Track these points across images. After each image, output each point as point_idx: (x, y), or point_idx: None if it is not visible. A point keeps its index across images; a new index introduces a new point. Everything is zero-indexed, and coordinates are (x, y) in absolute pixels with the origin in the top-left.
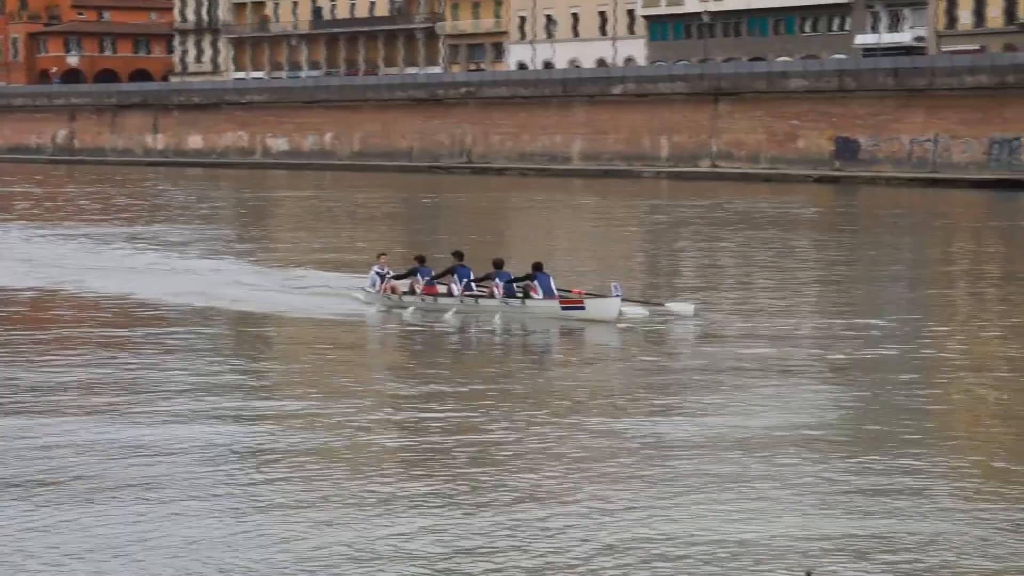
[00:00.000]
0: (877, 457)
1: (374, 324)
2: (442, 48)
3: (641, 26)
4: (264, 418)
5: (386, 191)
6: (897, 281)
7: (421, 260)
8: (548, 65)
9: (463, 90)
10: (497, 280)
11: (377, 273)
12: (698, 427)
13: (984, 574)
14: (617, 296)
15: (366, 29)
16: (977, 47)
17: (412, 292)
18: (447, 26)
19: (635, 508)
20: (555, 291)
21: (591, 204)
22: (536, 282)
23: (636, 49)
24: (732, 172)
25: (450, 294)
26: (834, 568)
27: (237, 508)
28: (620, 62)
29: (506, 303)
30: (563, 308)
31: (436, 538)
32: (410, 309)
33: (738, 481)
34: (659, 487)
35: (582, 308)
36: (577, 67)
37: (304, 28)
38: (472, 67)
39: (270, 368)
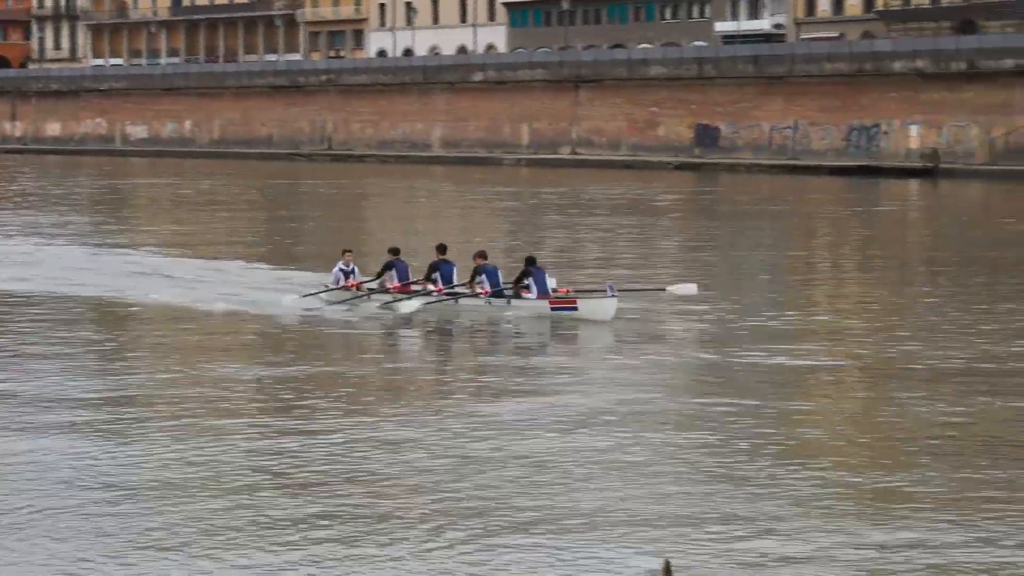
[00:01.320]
0: (721, 437)
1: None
2: (302, 35)
3: (501, 13)
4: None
5: (245, 178)
6: (756, 265)
7: (395, 253)
8: (408, 52)
9: (323, 77)
10: (483, 277)
11: (341, 270)
12: (548, 407)
13: (824, 550)
14: (613, 296)
15: (226, 16)
16: (836, 34)
17: (383, 289)
18: (307, 13)
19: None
20: (549, 290)
21: (450, 191)
22: (532, 280)
23: (496, 36)
24: (593, 159)
25: (426, 292)
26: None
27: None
28: (480, 49)
29: (490, 303)
30: (553, 309)
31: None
32: (374, 306)
33: (590, 456)
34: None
35: (574, 309)
36: (437, 54)
37: (163, 15)
38: (332, 54)
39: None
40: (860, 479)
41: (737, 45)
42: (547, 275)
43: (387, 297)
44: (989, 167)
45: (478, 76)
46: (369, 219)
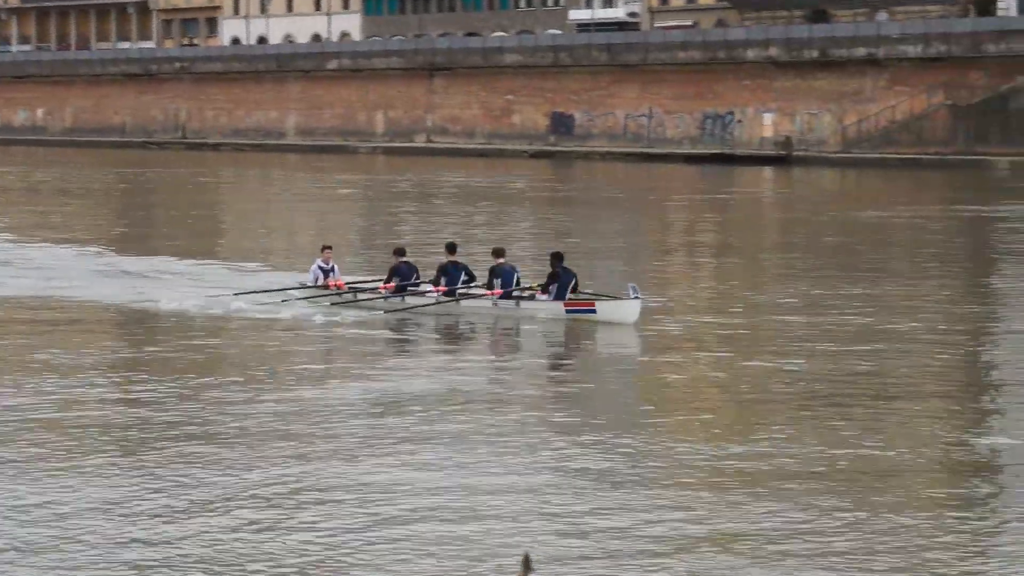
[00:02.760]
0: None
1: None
2: (155, 23)
3: (356, 1)
4: None
5: (97, 167)
6: (612, 252)
7: (401, 253)
8: (262, 40)
9: (177, 65)
10: (498, 281)
11: (320, 268)
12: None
13: (689, 537)
14: (636, 298)
15: (77, 3)
16: (690, 23)
17: (371, 289)
18: (160, 1)
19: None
20: (569, 292)
21: (305, 179)
22: (556, 284)
23: (351, 24)
24: (448, 147)
25: (403, 291)
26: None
27: None
28: (335, 37)
29: (496, 304)
30: (569, 311)
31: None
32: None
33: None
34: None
35: (592, 311)
36: (292, 42)
37: (13, 2)
38: (185, 42)
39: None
40: (712, 455)
41: (592, 33)
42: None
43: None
44: (841, 154)
45: (333, 64)
46: (222, 207)
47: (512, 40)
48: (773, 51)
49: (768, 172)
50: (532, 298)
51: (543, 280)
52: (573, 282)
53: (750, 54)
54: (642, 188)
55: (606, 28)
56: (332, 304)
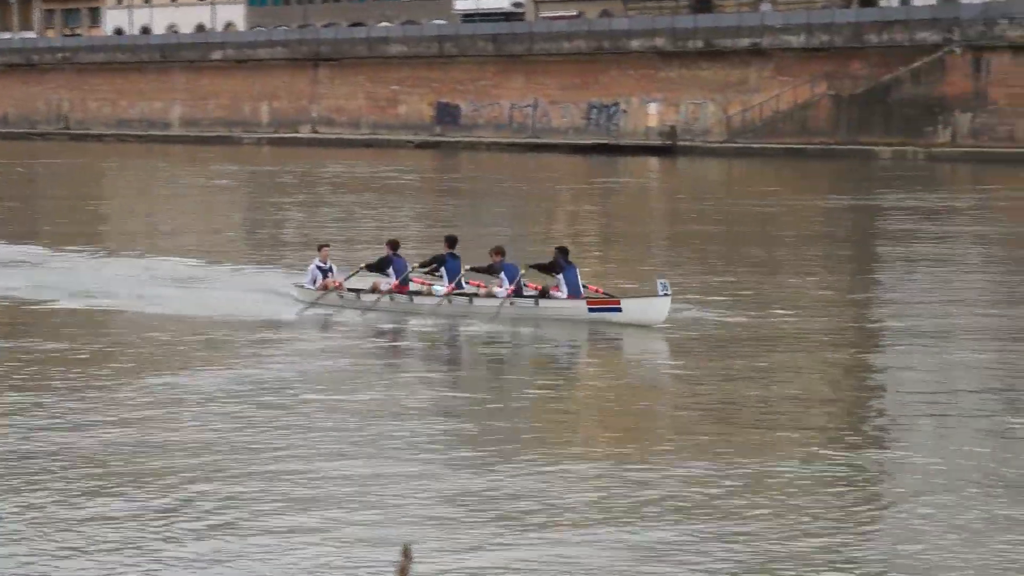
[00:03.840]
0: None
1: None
2: (36, 13)
3: None
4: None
5: None
6: (496, 241)
7: (394, 247)
8: (146, 30)
9: (59, 55)
10: (502, 275)
11: (319, 268)
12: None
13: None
14: (666, 295)
15: None
16: (575, 13)
17: (372, 290)
18: None
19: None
20: (581, 288)
21: (190, 171)
22: (561, 276)
23: (235, 14)
24: (333, 138)
25: (419, 292)
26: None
27: None
28: (219, 27)
29: (511, 303)
30: (592, 310)
31: None
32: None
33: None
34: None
35: (618, 310)
36: (176, 32)
37: None
38: (68, 32)
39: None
40: (595, 461)
41: (477, 23)
42: (578, 271)
43: (383, 300)
44: (726, 144)
45: (217, 54)
46: (106, 198)
47: (397, 30)
48: (658, 41)
49: (653, 162)
50: (547, 295)
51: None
52: (577, 275)
53: (635, 44)
54: (528, 178)
55: (491, 18)
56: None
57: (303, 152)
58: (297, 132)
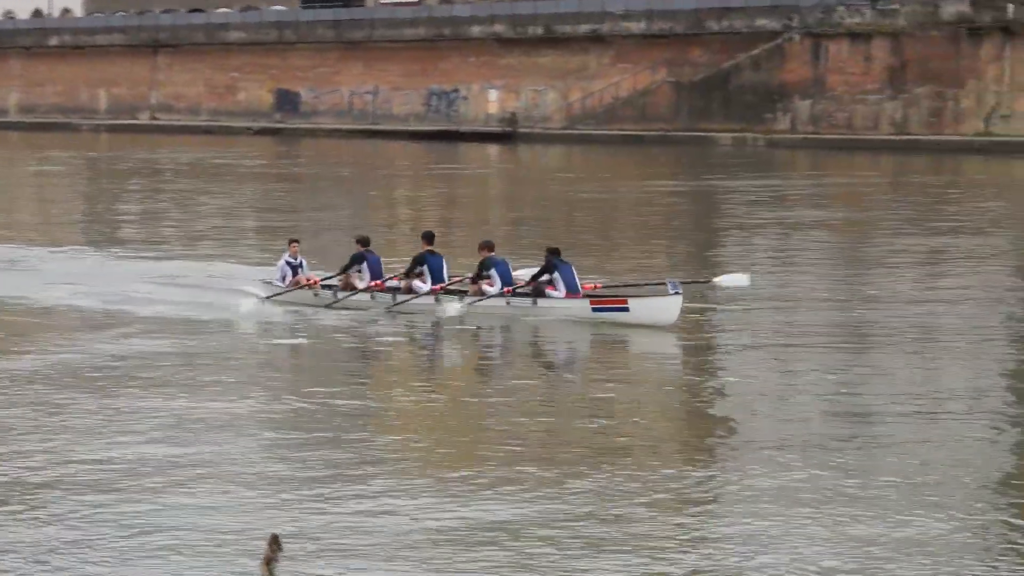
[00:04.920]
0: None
1: None
2: None
3: None
4: None
5: None
6: (340, 227)
7: (365, 243)
8: None
9: None
10: (492, 272)
11: (288, 263)
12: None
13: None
14: (676, 293)
15: None
16: (415, 0)
17: (346, 287)
18: None
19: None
20: (579, 286)
21: (26, 157)
22: (557, 274)
23: (73, 0)
24: (173, 125)
25: (407, 290)
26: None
27: None
28: (56, 13)
29: (508, 303)
30: (595, 310)
31: None
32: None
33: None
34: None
35: (624, 310)
36: (12, 18)
37: None
38: None
39: None
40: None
41: (317, 10)
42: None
43: (363, 298)
44: (566, 131)
45: (54, 40)
46: None
47: (236, 17)
48: (498, 28)
49: (493, 149)
50: (543, 294)
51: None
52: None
53: (475, 31)
54: (368, 165)
55: (331, 5)
56: (327, 304)
57: (142, 139)
58: (136, 119)
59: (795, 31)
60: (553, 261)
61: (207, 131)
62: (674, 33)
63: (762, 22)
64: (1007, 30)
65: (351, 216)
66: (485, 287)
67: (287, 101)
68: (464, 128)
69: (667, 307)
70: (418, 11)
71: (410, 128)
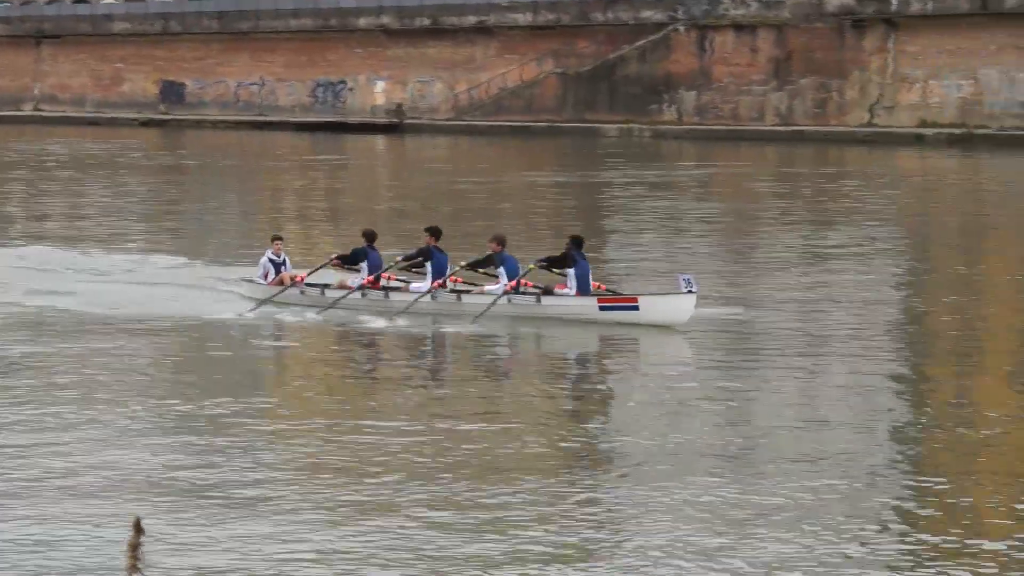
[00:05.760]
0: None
1: None
2: None
3: None
4: None
5: None
6: (225, 220)
7: (371, 239)
8: None
9: None
10: (501, 268)
11: (271, 261)
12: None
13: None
14: (690, 292)
15: None
16: None
17: (340, 287)
18: None
19: None
20: (590, 284)
21: None
22: (572, 271)
23: None
24: (57, 116)
25: (395, 288)
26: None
27: None
28: None
29: (509, 300)
30: (603, 308)
31: None
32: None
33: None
34: None
35: (634, 308)
36: None
37: None
38: None
39: None
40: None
41: (202, 1)
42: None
43: (354, 297)
44: (453, 122)
45: None
46: None
47: (121, 7)
48: (384, 19)
49: (380, 140)
50: (551, 292)
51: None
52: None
53: (362, 22)
54: (254, 156)
55: None
56: (324, 308)
57: (26, 130)
58: (20, 110)
59: (681, 23)
60: (573, 254)
61: (92, 122)
62: (560, 24)
63: (648, 13)
64: (890, 22)
65: (233, 208)
66: (487, 287)
67: (172, 92)
68: (351, 119)
69: (679, 306)
70: (304, 2)
71: (296, 119)
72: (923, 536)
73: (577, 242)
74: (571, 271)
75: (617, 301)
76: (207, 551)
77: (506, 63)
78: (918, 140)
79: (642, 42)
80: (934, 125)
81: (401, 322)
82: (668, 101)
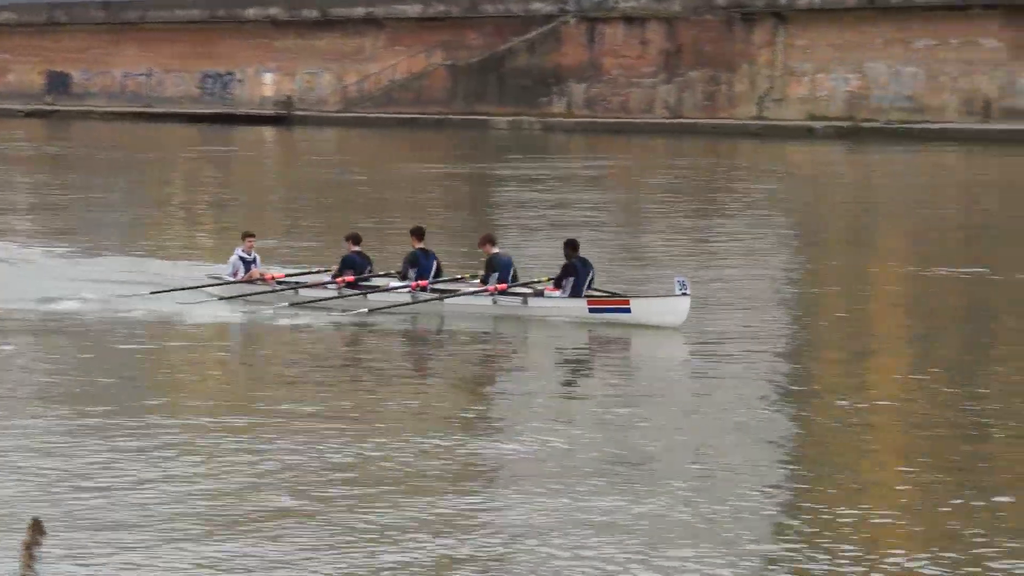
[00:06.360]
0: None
1: None
2: None
3: None
4: None
5: None
6: (113, 216)
7: (356, 241)
8: None
9: None
10: (495, 275)
11: (241, 258)
12: None
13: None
14: (684, 294)
15: None
16: None
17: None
18: None
19: None
20: (585, 288)
21: None
22: (572, 280)
23: None
24: None
25: (374, 287)
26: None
27: None
28: None
29: (495, 301)
30: (593, 310)
31: None
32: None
33: None
34: None
35: (626, 311)
36: None
37: None
38: None
39: None
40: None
41: None
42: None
43: (328, 294)
44: (342, 114)
45: None
46: None
47: None
48: (273, 10)
49: (268, 131)
50: (541, 294)
51: (555, 273)
52: (590, 277)
53: (251, 13)
54: (141, 148)
55: None
56: (289, 304)
57: None
58: None
59: (571, 14)
60: (574, 263)
61: None
62: (450, 16)
63: (537, 5)
64: (779, 15)
65: (118, 198)
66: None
67: (58, 83)
68: (239, 111)
69: (674, 308)
70: None
71: (185, 111)
72: (820, 542)
73: (573, 245)
74: (571, 280)
75: (608, 303)
76: (106, 559)
77: (395, 55)
78: (809, 133)
79: (532, 34)
80: (823, 118)
81: (376, 319)
82: (558, 93)
